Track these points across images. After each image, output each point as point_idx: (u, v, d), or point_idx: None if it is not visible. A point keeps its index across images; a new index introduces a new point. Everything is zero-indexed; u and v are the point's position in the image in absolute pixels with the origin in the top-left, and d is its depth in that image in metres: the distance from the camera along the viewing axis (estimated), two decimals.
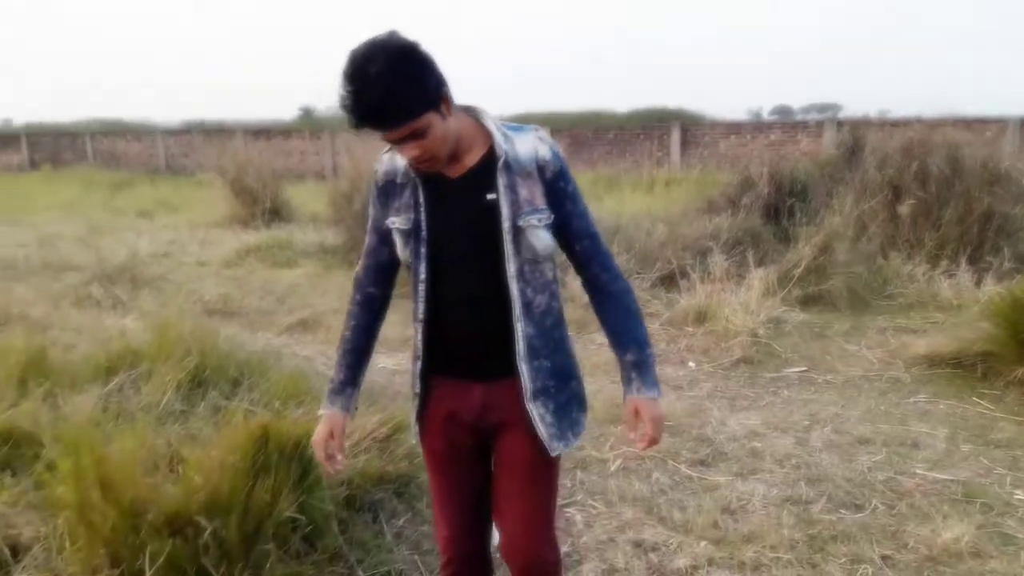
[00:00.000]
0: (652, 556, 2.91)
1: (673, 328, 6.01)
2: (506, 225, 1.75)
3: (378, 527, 2.98)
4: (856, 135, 10.64)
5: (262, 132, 23.27)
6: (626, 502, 3.31)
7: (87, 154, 25.58)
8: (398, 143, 1.67)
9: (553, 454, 1.85)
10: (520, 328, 1.79)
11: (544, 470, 1.90)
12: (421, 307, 1.83)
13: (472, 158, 1.78)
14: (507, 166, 1.75)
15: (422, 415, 1.94)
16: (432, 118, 1.64)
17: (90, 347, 4.50)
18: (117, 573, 2.17)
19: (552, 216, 1.77)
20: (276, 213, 11.62)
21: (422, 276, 1.81)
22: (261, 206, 11.58)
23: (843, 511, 3.22)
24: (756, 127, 19.35)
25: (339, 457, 1.97)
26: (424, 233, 1.80)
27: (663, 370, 5.11)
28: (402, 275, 1.95)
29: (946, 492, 3.38)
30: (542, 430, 1.83)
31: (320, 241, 9.41)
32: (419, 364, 1.89)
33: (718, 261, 6.72)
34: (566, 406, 1.88)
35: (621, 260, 7.05)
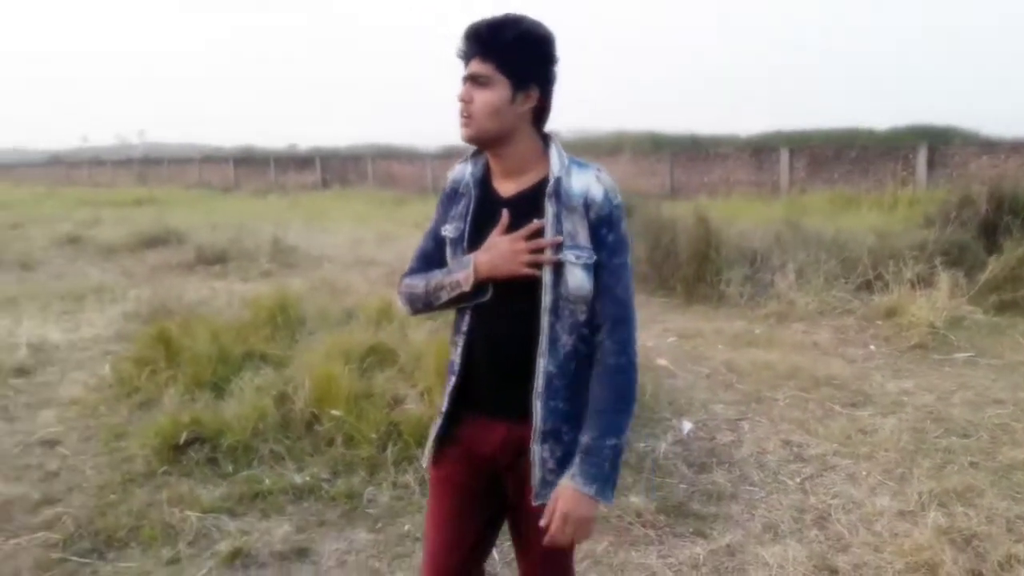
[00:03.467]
0: (793, 448, 4.20)
1: (865, 322, 6.99)
2: (546, 255, 1.69)
3: None
4: None
5: None
6: (784, 421, 4.58)
7: (368, 175, 29.54)
8: (465, 79, 1.70)
9: (535, 502, 1.72)
10: (542, 364, 1.70)
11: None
12: (466, 320, 1.79)
13: (528, 180, 1.76)
14: (556, 194, 1.70)
15: (440, 439, 1.85)
16: (503, 83, 1.68)
17: None
18: None
19: (594, 257, 1.70)
20: None
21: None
22: None
23: (953, 437, 4.28)
24: (1013, 146, 18.64)
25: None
26: (465, 245, 1.78)
27: (845, 350, 6.21)
28: None
29: None
30: (536, 474, 1.71)
31: None
32: (452, 380, 1.82)
33: (915, 268, 7.56)
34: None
35: (829, 266, 8.08)
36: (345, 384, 4.24)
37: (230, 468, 3.84)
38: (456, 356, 1.80)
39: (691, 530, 3.33)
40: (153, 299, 7.61)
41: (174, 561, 3.10)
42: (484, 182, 1.81)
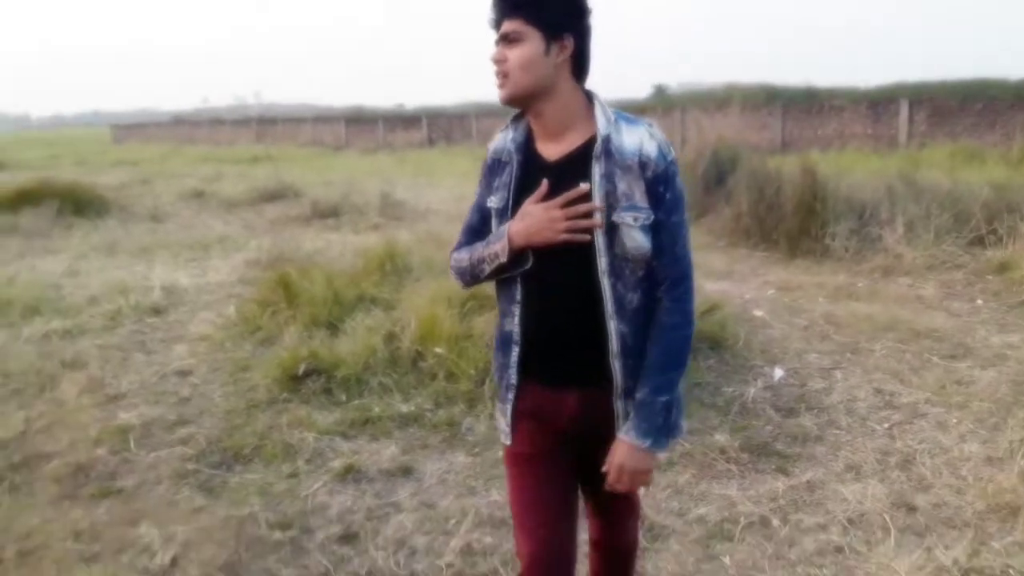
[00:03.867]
0: (885, 396, 4.22)
1: (974, 276, 6.78)
2: (596, 218, 1.63)
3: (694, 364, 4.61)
4: None
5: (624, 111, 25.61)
6: (878, 370, 4.59)
7: (472, 133, 29.84)
8: (498, 41, 1.67)
9: (658, 452, 1.74)
10: (613, 326, 1.68)
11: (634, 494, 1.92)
12: (518, 289, 1.74)
13: (574, 141, 1.69)
14: (607, 153, 1.65)
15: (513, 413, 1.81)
16: (534, 37, 1.63)
17: None
18: None
19: (652, 216, 1.65)
20: None
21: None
22: None
23: None
24: None
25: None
26: (510, 214, 1.72)
27: (950, 304, 6.07)
28: None
29: None
30: (622, 428, 1.73)
31: None
32: (516, 351, 1.77)
33: None
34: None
35: (941, 220, 7.82)
36: (447, 325, 4.51)
37: (343, 397, 4.18)
38: (514, 326, 1.76)
39: (773, 467, 3.45)
40: (273, 248, 8.12)
41: (293, 475, 3.45)
42: (527, 147, 1.75)
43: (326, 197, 12.29)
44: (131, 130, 49.51)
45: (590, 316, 1.68)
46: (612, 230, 1.63)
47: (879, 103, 21.51)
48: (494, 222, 1.76)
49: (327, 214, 11.26)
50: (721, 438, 3.65)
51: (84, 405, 4.25)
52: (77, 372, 4.73)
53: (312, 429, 3.81)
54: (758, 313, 5.82)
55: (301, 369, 4.31)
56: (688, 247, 1.72)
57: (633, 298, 1.68)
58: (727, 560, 2.77)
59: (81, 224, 10.73)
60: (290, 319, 5.14)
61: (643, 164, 1.64)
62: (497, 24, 1.67)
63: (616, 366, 1.69)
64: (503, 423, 1.84)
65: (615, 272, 1.66)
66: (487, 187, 1.81)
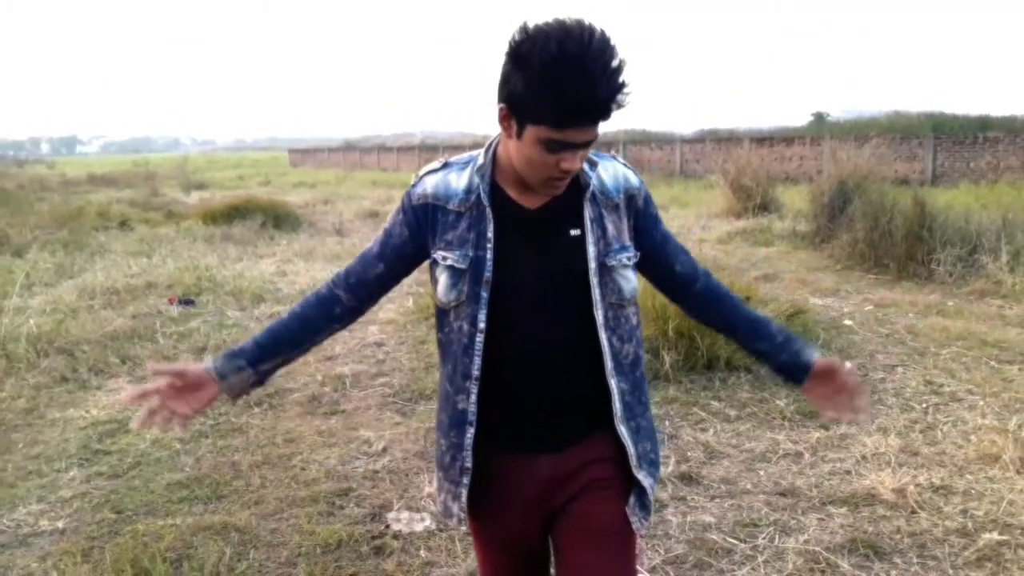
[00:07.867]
0: (933, 386, 5.14)
1: None
2: (592, 265, 1.55)
3: None
4: None
5: (766, 140, 26.18)
6: (936, 368, 5.48)
7: (620, 156, 31.01)
8: (577, 148, 1.44)
9: (639, 530, 1.65)
10: (615, 384, 1.58)
11: (629, 540, 1.68)
12: (476, 362, 1.57)
13: None
14: (593, 196, 1.57)
15: (472, 494, 1.66)
16: None
17: None
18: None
19: (638, 254, 1.63)
20: (764, 207, 14.40)
21: (480, 325, 1.55)
22: (753, 201, 14.47)
23: None
24: None
25: (176, 424, 1.59)
26: (488, 274, 1.54)
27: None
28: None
29: None
30: (649, 503, 1.65)
31: (793, 227, 11.98)
32: (471, 432, 1.61)
33: None
34: (656, 473, 1.68)
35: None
36: None
37: None
38: (469, 404, 1.59)
39: (817, 425, 4.50)
40: None
41: None
42: (495, 197, 1.58)
43: None
44: (306, 154, 54.11)
45: (573, 378, 1.60)
46: (604, 276, 1.57)
47: None
48: (444, 281, 1.58)
49: None
50: (781, 403, 4.73)
51: (309, 360, 5.82)
52: None
53: None
54: (847, 323, 6.75)
55: None
56: None
57: (628, 350, 1.62)
58: (762, 473, 3.90)
59: (280, 235, 12.80)
60: None
61: (631, 197, 1.63)
62: (575, 125, 1.41)
63: (623, 431, 1.61)
64: (455, 507, 1.69)
65: (609, 324, 1.58)
66: (414, 236, 1.62)
